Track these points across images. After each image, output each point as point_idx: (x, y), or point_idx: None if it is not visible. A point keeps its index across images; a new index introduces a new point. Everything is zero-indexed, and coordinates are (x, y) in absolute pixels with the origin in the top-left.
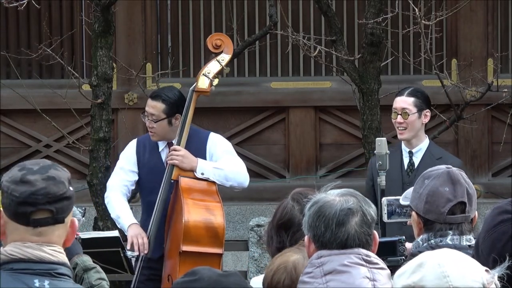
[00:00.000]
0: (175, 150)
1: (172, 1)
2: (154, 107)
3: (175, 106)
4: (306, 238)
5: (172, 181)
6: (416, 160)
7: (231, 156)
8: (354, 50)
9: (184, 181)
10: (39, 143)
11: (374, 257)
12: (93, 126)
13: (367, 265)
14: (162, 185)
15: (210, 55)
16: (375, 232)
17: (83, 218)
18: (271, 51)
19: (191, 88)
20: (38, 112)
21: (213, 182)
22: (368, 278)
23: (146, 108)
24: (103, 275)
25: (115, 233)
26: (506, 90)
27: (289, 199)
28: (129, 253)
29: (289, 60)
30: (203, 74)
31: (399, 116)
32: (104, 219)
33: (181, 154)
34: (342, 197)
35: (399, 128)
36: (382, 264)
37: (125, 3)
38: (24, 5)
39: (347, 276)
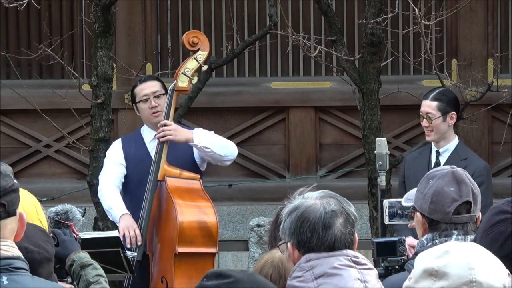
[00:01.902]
0: (165, 125)
1: (172, 1)
2: (153, 85)
3: (164, 85)
4: (289, 245)
5: (158, 182)
6: (442, 160)
7: (216, 134)
8: (354, 50)
9: (171, 181)
10: (39, 143)
11: (362, 258)
12: (93, 126)
13: (356, 266)
14: (148, 184)
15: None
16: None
17: (83, 218)
18: (271, 51)
19: (170, 87)
20: (38, 112)
21: (198, 180)
22: (359, 279)
23: (145, 91)
24: (101, 271)
25: (115, 233)
26: (506, 90)
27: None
28: (129, 253)
29: (289, 60)
30: (181, 73)
31: (424, 120)
32: (104, 219)
33: (173, 128)
34: (323, 200)
35: (426, 131)
36: (369, 264)
37: (125, 3)
38: (24, 5)
39: (339, 279)
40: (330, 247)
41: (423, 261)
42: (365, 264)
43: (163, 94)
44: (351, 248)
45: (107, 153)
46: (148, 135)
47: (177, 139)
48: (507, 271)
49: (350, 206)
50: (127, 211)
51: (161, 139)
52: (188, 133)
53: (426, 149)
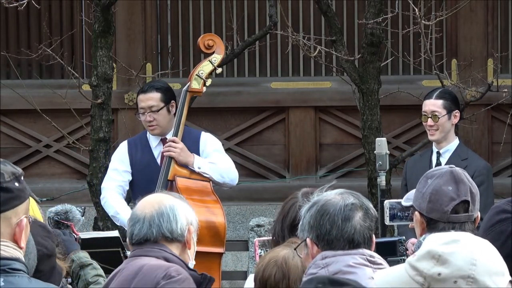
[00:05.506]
0: (173, 142)
1: (172, 1)
2: (151, 98)
3: (168, 93)
4: (308, 240)
5: (168, 181)
6: (443, 161)
7: (221, 154)
8: (354, 50)
9: (181, 181)
10: (39, 143)
11: (378, 258)
12: (93, 126)
13: (372, 265)
14: (158, 185)
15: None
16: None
17: (83, 218)
18: (271, 51)
19: (184, 89)
20: (38, 112)
21: (208, 182)
22: (373, 278)
23: (142, 104)
24: (101, 271)
25: (115, 233)
26: (506, 90)
27: (300, 199)
28: (129, 253)
29: (289, 60)
30: (196, 75)
31: (429, 119)
32: (104, 219)
33: (180, 147)
34: (343, 195)
35: (430, 130)
36: (385, 264)
37: (125, 3)
38: (24, 5)
39: (353, 277)
40: (350, 240)
41: (430, 243)
42: (380, 264)
43: (163, 108)
44: (369, 245)
45: (112, 157)
46: (154, 140)
47: (180, 159)
48: (510, 278)
49: (369, 203)
50: None
51: (164, 154)
52: (190, 156)
53: (427, 151)
